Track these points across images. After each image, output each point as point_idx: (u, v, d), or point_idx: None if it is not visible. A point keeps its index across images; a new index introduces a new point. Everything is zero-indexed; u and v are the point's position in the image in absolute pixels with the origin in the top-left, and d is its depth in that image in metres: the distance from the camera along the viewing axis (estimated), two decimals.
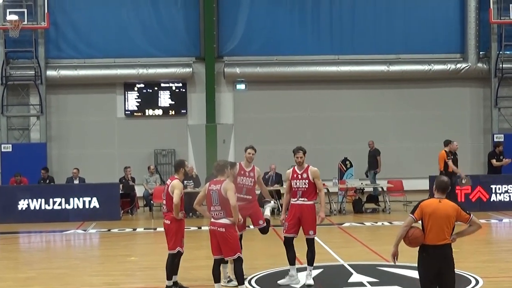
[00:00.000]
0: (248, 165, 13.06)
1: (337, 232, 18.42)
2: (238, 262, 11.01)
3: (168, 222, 11.99)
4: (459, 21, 28.50)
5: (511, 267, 14.19)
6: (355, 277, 12.61)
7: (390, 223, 20.36)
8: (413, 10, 28.43)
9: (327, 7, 28.40)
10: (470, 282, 12.21)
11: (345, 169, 25.11)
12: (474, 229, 9.02)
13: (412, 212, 8.90)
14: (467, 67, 28.14)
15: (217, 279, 11.09)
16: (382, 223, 20.65)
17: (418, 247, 8.88)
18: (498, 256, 15.47)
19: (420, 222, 8.81)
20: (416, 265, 8.98)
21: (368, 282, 12.02)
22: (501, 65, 27.93)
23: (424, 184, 22.20)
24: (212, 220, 11.02)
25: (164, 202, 12.16)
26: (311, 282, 11.97)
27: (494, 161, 23.39)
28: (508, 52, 28.13)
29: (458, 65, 28.19)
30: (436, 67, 28.22)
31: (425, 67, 28.21)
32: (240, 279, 11.00)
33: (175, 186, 11.88)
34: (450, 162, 20.50)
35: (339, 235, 17.85)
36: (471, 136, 28.49)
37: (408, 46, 28.47)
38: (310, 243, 12.07)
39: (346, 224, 20.02)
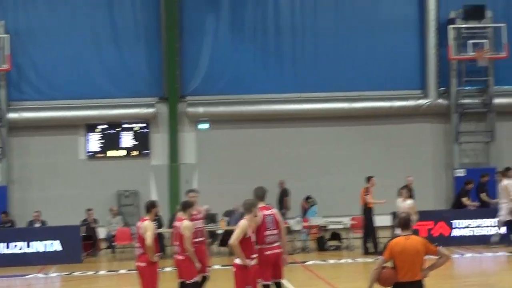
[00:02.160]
0: (194, 208, 13.08)
1: (301, 271, 18.38)
2: None
3: (143, 264, 11.95)
4: (419, 57, 28.79)
5: None
6: None
7: (354, 260, 20.37)
8: (374, 48, 28.67)
9: (289, 46, 28.57)
10: None
11: (308, 206, 25.11)
12: (444, 261, 9.14)
13: (382, 253, 8.98)
14: (428, 103, 28.40)
15: None
16: (346, 261, 20.68)
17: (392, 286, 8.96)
18: None
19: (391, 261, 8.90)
20: None
21: None
22: (461, 101, 28.22)
23: (387, 221, 22.28)
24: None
25: (138, 244, 12.09)
26: None
27: (465, 200, 23.47)
28: (467, 88, 28.44)
29: (419, 101, 28.44)
30: (397, 104, 28.45)
31: (387, 104, 28.43)
32: None
33: (148, 227, 11.88)
34: (368, 197, 21.08)
35: (302, 274, 17.80)
36: (433, 171, 28.66)
37: (369, 83, 28.66)
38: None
39: (310, 262, 19.99)
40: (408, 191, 19.77)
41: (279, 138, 28.39)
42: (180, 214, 12.80)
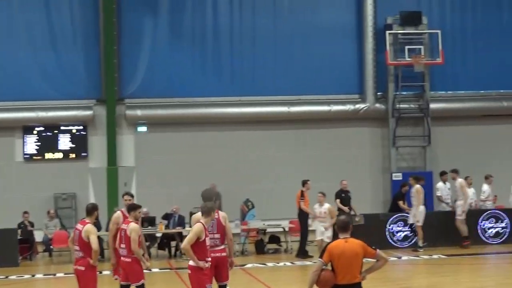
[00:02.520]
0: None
1: (240, 274, 18.39)
2: None
3: (82, 268, 11.81)
4: (357, 62, 29.11)
5: None
6: None
7: (292, 263, 20.48)
8: (312, 53, 28.89)
9: (228, 49, 28.62)
10: None
11: (247, 209, 25.19)
12: (382, 264, 9.24)
13: (321, 256, 9.05)
14: (365, 108, 28.72)
15: None
16: (284, 264, 20.77)
17: None
18: None
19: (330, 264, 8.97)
20: None
21: None
22: (398, 106, 28.59)
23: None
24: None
25: (78, 247, 11.93)
26: None
27: (401, 203, 23.73)
28: (404, 93, 28.85)
29: (357, 106, 28.74)
30: (335, 108, 28.70)
31: (325, 108, 28.67)
32: None
33: (91, 231, 11.77)
34: (301, 203, 21.25)
35: (241, 277, 17.81)
36: (371, 175, 28.99)
37: (308, 87, 28.87)
38: None
39: (249, 265, 20.03)
40: (324, 195, 19.80)
41: (218, 142, 28.39)
42: (115, 216, 12.77)
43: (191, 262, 10.93)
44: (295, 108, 28.59)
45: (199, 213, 12.23)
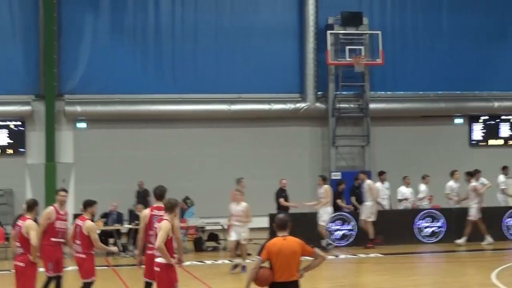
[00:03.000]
0: (62, 207, 12.93)
1: (178, 271, 18.34)
2: None
3: (22, 264, 11.73)
4: (298, 62, 29.25)
5: None
6: None
7: (231, 261, 20.49)
8: (253, 51, 28.97)
9: (170, 47, 28.52)
10: None
11: (186, 207, 25.16)
12: (319, 262, 9.32)
13: (259, 254, 9.11)
14: (306, 107, 28.88)
15: None
16: (223, 261, 20.79)
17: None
18: None
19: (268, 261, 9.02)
20: None
21: None
22: (338, 105, 28.81)
23: (265, 222, 22.47)
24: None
25: (19, 244, 11.88)
26: None
27: (339, 202, 23.89)
28: (344, 93, 29.08)
29: (297, 105, 28.89)
30: (276, 107, 28.81)
31: (266, 107, 28.76)
32: None
33: (31, 227, 11.74)
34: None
35: (179, 274, 17.76)
36: (311, 174, 29.13)
37: (249, 85, 28.94)
38: None
39: (187, 263, 19.98)
40: (242, 194, 19.63)
41: (158, 139, 28.28)
42: (48, 211, 12.79)
43: (160, 260, 10.89)
44: (236, 107, 28.62)
45: (147, 210, 12.25)
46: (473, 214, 23.12)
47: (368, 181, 23.04)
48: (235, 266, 18.46)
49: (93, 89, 27.81)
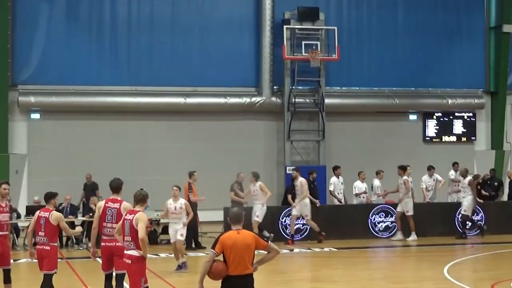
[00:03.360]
0: (3, 200, 12.91)
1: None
2: None
3: None
4: (254, 56, 29.26)
5: None
6: None
7: (185, 254, 20.43)
8: (209, 45, 28.94)
9: (125, 38, 28.36)
10: None
11: None
12: (273, 255, 9.33)
13: (213, 247, 9.08)
14: (261, 101, 28.90)
15: None
16: None
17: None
18: (289, 286, 15.93)
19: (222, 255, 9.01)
20: None
21: None
22: (293, 100, 28.87)
23: (219, 216, 22.47)
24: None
25: None
26: None
27: (289, 197, 23.86)
28: (300, 87, 29.16)
29: (253, 99, 28.90)
30: (232, 100, 28.79)
31: (221, 100, 28.72)
32: None
33: None
34: (190, 195, 21.37)
35: None
36: (265, 168, 29.19)
37: (205, 79, 28.91)
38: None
39: None
40: (179, 189, 19.26)
41: (113, 131, 28.13)
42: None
43: (132, 252, 10.85)
44: (191, 100, 28.56)
45: (102, 202, 12.23)
46: (410, 208, 23.41)
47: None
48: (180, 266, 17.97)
49: (47, 80, 27.55)
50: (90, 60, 28.01)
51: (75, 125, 27.84)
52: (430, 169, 25.45)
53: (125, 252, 10.95)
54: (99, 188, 25.07)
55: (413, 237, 23.42)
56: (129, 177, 26.39)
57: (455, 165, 26.48)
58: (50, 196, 12.67)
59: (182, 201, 18.15)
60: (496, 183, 27.19)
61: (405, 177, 23.64)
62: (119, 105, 28.08)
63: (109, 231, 11.91)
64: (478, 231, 24.53)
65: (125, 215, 11.06)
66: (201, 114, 28.84)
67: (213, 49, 28.98)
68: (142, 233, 10.78)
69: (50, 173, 26.89)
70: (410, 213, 23.48)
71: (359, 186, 24.77)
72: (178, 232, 17.96)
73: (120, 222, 11.18)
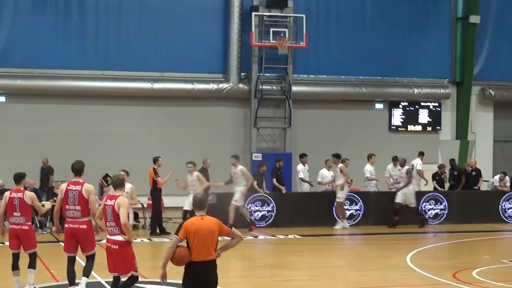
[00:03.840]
0: None
1: (97, 249, 18.23)
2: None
3: None
4: (222, 42, 29.20)
5: (265, 282, 14.77)
6: None
7: (149, 239, 20.49)
8: (178, 29, 28.81)
9: (93, 22, 28.13)
10: None
11: (105, 185, 24.99)
12: (237, 241, 9.39)
13: (177, 233, 9.11)
14: (229, 88, 28.88)
15: None
16: (142, 240, 20.76)
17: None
18: (253, 272, 16.01)
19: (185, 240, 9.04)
20: (181, 282, 9.14)
21: None
22: (260, 87, 28.89)
23: (184, 201, 22.44)
24: (108, 236, 10.99)
25: None
26: None
27: (255, 183, 23.92)
28: (267, 74, 29.17)
29: (221, 85, 28.87)
30: (199, 86, 28.74)
31: (189, 86, 28.66)
32: None
33: None
34: (159, 179, 21.23)
35: (97, 252, 17.66)
36: (232, 154, 29.17)
37: (172, 64, 28.80)
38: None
39: (105, 241, 19.87)
40: (127, 174, 19.05)
41: (79, 115, 27.93)
42: None
43: (118, 238, 10.90)
44: (158, 85, 28.46)
45: (64, 184, 12.25)
46: (341, 196, 23.52)
47: (241, 167, 22.96)
48: None
49: (13, 63, 27.26)
50: (56, 44, 27.77)
51: (41, 109, 27.63)
52: (395, 159, 25.56)
53: (110, 237, 10.98)
54: (53, 173, 24.98)
55: (343, 224, 23.50)
56: (95, 162, 26.45)
57: (421, 154, 26.65)
58: (21, 177, 12.86)
59: (128, 187, 17.80)
60: (456, 173, 27.49)
61: (340, 165, 23.70)
62: (86, 89, 27.90)
63: (72, 213, 12.01)
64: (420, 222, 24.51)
65: (105, 200, 11.06)
66: (168, 99, 28.75)
67: (181, 35, 28.88)
68: (124, 218, 10.85)
69: (15, 156, 26.63)
70: (340, 200, 23.50)
71: (325, 174, 24.87)
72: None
73: (101, 207, 11.19)
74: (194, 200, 9.36)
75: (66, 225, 12.12)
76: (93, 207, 12.11)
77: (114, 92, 28.11)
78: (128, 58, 28.37)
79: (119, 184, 11.22)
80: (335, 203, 23.75)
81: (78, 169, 12.42)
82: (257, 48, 28.96)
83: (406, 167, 24.42)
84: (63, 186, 12.32)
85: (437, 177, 26.90)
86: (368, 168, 25.19)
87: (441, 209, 25.14)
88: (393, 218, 24.10)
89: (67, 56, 27.78)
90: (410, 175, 24.21)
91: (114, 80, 28.11)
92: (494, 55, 32.22)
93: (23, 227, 12.61)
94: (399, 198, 24.10)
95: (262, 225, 23.38)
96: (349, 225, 24.06)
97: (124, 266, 10.92)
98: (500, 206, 25.74)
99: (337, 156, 24.07)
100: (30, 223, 12.77)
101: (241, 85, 29.07)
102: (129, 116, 28.34)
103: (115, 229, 10.86)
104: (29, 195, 12.71)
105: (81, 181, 12.33)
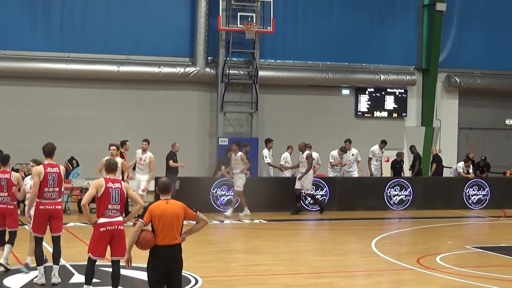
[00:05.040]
0: None
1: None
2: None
3: None
4: (189, 26, 29.12)
5: (230, 266, 14.79)
6: (77, 278, 12.55)
7: None
8: (144, 13, 28.71)
9: (59, 3, 27.90)
10: (190, 281, 12.54)
11: (71, 168, 24.84)
12: (202, 225, 9.38)
13: (142, 217, 9.06)
14: (195, 71, 28.80)
15: None
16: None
17: None
18: (218, 256, 16.01)
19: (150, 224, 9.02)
20: (145, 266, 9.11)
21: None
22: (227, 71, 28.84)
23: (151, 185, 22.33)
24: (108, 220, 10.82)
25: None
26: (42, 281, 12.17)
27: (223, 168, 23.82)
28: (234, 59, 29.12)
29: (187, 69, 28.77)
30: (165, 70, 28.62)
31: (155, 69, 28.54)
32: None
33: None
34: (124, 162, 20.79)
35: (63, 236, 17.56)
36: (198, 139, 29.20)
37: (138, 47, 28.72)
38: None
39: (71, 224, 19.80)
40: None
41: (44, 98, 27.75)
42: None
43: (120, 219, 10.92)
44: (124, 68, 28.30)
45: (41, 167, 12.12)
46: (240, 184, 22.66)
47: (240, 153, 22.74)
48: None
49: None
50: (22, 25, 27.50)
51: (5, 91, 27.35)
52: (346, 143, 25.40)
53: (112, 220, 10.81)
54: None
55: (245, 212, 22.76)
56: (60, 145, 26.06)
57: (383, 142, 26.56)
58: (7, 159, 13.55)
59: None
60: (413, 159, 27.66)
61: (240, 153, 22.87)
62: (52, 71, 27.66)
63: (51, 195, 12.11)
64: (318, 208, 24.01)
65: (107, 183, 10.92)
66: (135, 82, 28.63)
67: (148, 18, 28.75)
68: (140, 200, 11.13)
69: None
70: (238, 189, 22.77)
71: (288, 159, 24.87)
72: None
73: (102, 191, 10.94)
74: (159, 184, 9.32)
75: (41, 207, 12.07)
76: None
77: (80, 75, 27.93)
78: (94, 41, 28.22)
79: (114, 168, 11.14)
80: (233, 191, 22.89)
81: (49, 151, 12.48)
82: (225, 32, 28.91)
83: (306, 152, 23.45)
84: (40, 169, 12.21)
85: (397, 165, 26.87)
86: (333, 153, 25.23)
87: (405, 195, 25.28)
88: (295, 205, 23.48)
89: (32, 38, 27.59)
90: (310, 161, 23.29)
91: (80, 63, 27.94)
92: (460, 43, 32.43)
93: (9, 206, 13.19)
94: (298, 184, 23.38)
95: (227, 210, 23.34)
96: (315, 210, 24.08)
97: (124, 249, 10.88)
98: (464, 192, 25.92)
99: (235, 144, 23.66)
100: (15, 203, 13.40)
101: (208, 69, 29.00)
102: (95, 99, 28.18)
103: (117, 212, 10.83)
104: (15, 176, 13.34)
105: (55, 163, 12.47)
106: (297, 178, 23.43)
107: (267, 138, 25.68)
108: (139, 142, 21.89)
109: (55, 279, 12.19)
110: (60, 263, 12.48)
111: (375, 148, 26.29)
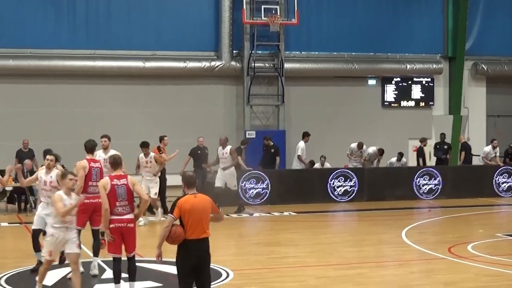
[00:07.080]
0: None
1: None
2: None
3: None
4: (213, 20, 29.08)
5: (259, 259, 14.77)
6: (108, 274, 12.58)
7: (147, 219, 20.40)
8: (169, 7, 28.69)
9: (83, 1, 27.95)
10: (221, 275, 12.55)
11: None
12: (217, 220, 9.56)
13: (171, 212, 9.07)
14: (221, 65, 28.78)
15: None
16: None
17: None
18: (248, 249, 16.01)
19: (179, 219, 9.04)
20: (174, 260, 9.13)
21: (121, 278, 11.98)
22: (253, 64, 28.80)
23: (179, 180, 22.33)
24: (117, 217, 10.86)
25: None
26: None
27: (239, 159, 23.72)
28: (259, 52, 29.08)
29: (213, 63, 28.76)
30: (191, 65, 28.63)
31: (180, 64, 28.56)
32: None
33: None
34: (163, 155, 20.79)
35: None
36: (225, 132, 29.05)
37: (163, 43, 28.72)
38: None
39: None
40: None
41: (72, 95, 27.83)
42: None
43: (131, 216, 11.00)
44: (150, 64, 28.34)
45: (85, 161, 12.80)
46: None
47: (230, 147, 22.41)
48: None
49: (4, 43, 27.08)
50: (46, 23, 27.61)
51: (32, 89, 27.48)
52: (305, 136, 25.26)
53: (123, 217, 10.85)
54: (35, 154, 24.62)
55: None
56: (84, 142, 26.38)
57: (305, 136, 25.87)
58: (95, 146, 13.54)
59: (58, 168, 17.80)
60: (445, 147, 27.54)
61: (229, 147, 22.12)
62: (77, 68, 27.75)
63: (94, 189, 12.38)
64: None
65: (112, 180, 10.96)
66: (160, 78, 28.66)
67: (172, 13, 28.75)
68: (145, 194, 11.44)
69: (3, 137, 26.50)
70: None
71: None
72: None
73: (109, 187, 11.00)
74: (184, 178, 9.34)
75: (86, 200, 12.25)
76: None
77: (105, 72, 28.00)
78: (119, 37, 28.26)
79: (119, 163, 11.18)
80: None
81: (91, 147, 13.21)
82: (249, 26, 28.87)
83: (229, 146, 22.12)
84: (84, 163, 12.71)
85: (422, 152, 26.88)
86: (352, 146, 25.40)
87: (435, 184, 25.14)
88: (238, 203, 22.18)
89: (57, 35, 27.67)
90: (235, 156, 21.93)
91: (106, 59, 27.99)
92: (486, 30, 32.13)
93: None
94: (219, 182, 21.66)
95: (257, 203, 23.34)
96: (344, 201, 24.04)
97: (135, 244, 10.93)
98: (494, 180, 25.74)
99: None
100: None
101: (233, 63, 28.98)
102: (120, 96, 28.24)
103: (127, 208, 10.86)
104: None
105: (96, 158, 13.27)
106: (217, 175, 21.84)
107: (305, 131, 25.50)
108: (168, 137, 21.96)
109: (95, 270, 12.54)
110: (90, 259, 12.57)
111: (301, 144, 25.07)
